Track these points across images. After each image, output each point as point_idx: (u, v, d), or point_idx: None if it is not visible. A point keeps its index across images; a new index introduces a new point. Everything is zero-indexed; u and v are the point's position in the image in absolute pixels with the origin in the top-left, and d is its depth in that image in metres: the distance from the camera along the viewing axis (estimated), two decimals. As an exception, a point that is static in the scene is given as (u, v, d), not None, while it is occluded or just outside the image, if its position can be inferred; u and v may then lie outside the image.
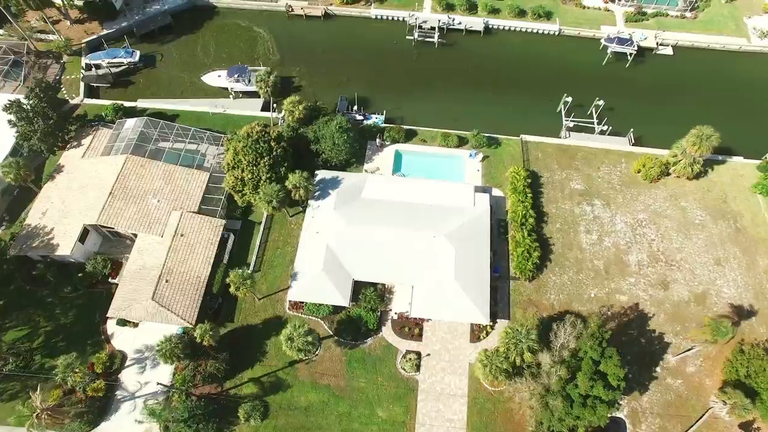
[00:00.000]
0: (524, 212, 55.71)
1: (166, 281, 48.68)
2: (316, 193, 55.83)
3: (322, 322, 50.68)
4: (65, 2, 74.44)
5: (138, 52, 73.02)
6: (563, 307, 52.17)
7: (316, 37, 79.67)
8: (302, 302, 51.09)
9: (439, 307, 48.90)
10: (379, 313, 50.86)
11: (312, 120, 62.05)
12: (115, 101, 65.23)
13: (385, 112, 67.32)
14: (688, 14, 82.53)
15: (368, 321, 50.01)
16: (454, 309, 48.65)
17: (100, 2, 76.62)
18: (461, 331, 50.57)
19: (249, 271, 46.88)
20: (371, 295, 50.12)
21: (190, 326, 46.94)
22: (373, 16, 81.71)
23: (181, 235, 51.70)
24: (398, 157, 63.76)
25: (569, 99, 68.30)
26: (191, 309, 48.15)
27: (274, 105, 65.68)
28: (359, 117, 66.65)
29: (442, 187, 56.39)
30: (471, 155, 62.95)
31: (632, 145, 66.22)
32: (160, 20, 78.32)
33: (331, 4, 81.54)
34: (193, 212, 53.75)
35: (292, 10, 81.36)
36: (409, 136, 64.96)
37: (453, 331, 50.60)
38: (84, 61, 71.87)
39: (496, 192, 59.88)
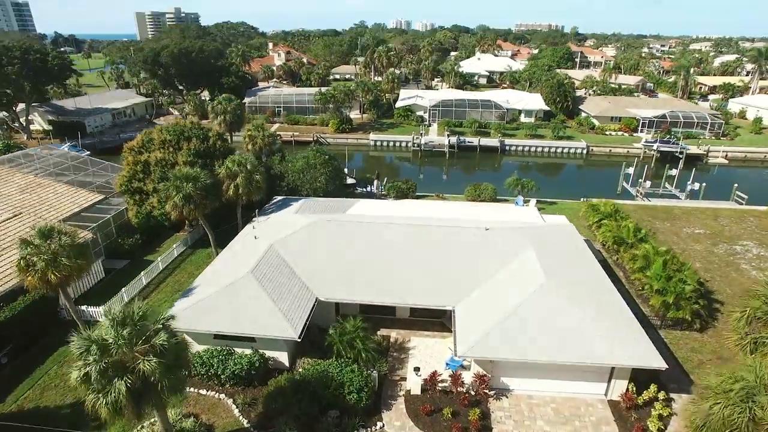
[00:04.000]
0: (634, 229, 31.38)
1: None
2: (269, 209, 32.94)
3: (230, 401, 20.14)
4: (26, 120, 67.08)
5: (88, 152, 60.39)
6: (810, 372, 22.05)
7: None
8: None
9: (528, 343, 19.77)
10: (375, 376, 20.78)
11: (281, 161, 43.90)
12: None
13: (386, 180, 49.26)
14: (722, 138, 73.91)
15: (348, 388, 19.60)
16: (568, 348, 19.56)
17: (72, 122, 69.23)
18: (595, 416, 19.34)
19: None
20: (356, 329, 21.46)
21: None
22: (372, 143, 72.82)
23: (-9, 234, 26.61)
24: (407, 212, 42.39)
25: (630, 170, 51.50)
26: None
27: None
28: (350, 181, 48.28)
29: (486, 209, 33.89)
30: (518, 203, 41.87)
31: (742, 205, 45.71)
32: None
33: (325, 133, 73.95)
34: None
35: (281, 138, 73.18)
36: (421, 196, 45.28)
37: (571, 416, 19.42)
38: (17, 154, 58.55)
39: (570, 236, 36.23)
